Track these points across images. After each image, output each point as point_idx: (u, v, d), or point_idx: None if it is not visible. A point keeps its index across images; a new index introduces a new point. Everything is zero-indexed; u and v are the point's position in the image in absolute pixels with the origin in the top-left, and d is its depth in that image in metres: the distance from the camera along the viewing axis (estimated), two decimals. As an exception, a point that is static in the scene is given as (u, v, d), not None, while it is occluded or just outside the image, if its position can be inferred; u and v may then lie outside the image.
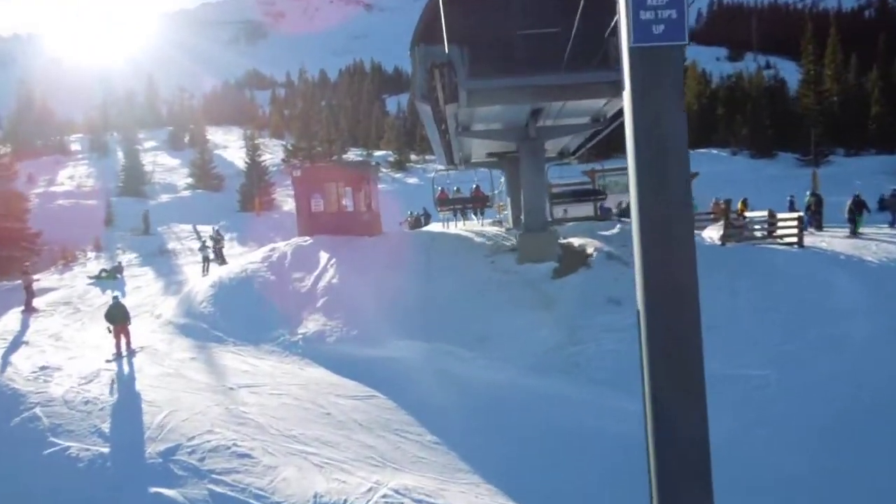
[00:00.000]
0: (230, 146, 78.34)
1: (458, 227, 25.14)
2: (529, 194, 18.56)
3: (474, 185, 29.84)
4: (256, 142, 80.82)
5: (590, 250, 18.43)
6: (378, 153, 62.48)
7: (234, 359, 16.34)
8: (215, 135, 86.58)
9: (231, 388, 14.32)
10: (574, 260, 18.06)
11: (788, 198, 27.91)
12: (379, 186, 27.83)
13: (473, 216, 28.73)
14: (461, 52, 14.66)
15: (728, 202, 24.85)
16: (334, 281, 19.05)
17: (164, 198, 50.31)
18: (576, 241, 19.21)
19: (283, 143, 62.75)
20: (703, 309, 5.49)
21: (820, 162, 40.00)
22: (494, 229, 24.25)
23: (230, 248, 35.18)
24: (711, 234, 21.38)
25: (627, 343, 14.45)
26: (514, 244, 19.42)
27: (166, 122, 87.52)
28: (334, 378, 14.97)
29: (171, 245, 37.12)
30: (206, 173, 52.85)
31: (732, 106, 48.37)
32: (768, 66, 67.05)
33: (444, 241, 20.63)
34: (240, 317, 18.31)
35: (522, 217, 18.97)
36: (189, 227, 41.23)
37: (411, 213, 34.67)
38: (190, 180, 53.80)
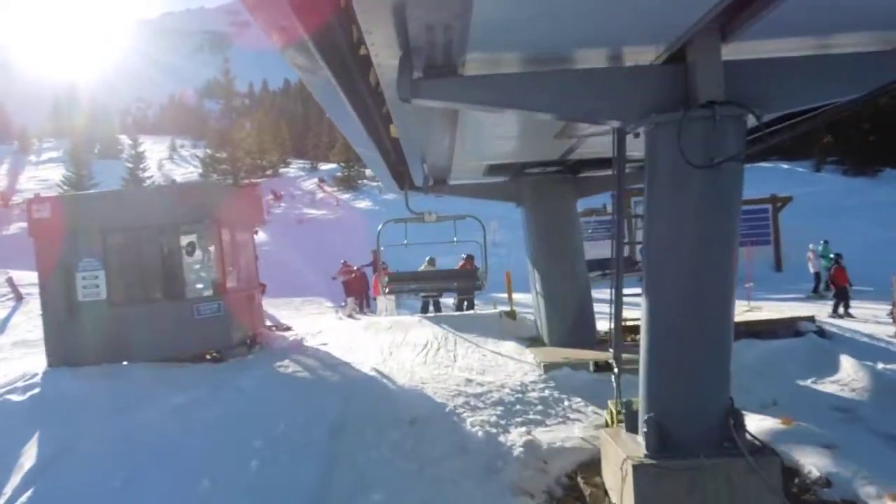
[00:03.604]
0: (151, 157, 64.21)
1: (427, 333, 11.11)
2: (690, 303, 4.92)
3: (463, 257, 16.71)
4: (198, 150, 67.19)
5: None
6: (325, 167, 48.70)
7: None
8: (142, 145, 73.10)
9: None
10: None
11: None
12: (259, 232, 13.42)
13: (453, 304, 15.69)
14: None
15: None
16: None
17: (15, 228, 35.71)
18: (807, 463, 5.59)
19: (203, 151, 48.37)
20: None
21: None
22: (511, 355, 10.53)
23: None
24: None
25: None
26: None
27: (91, 132, 72.73)
28: None
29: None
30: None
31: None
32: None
33: (375, 439, 6.68)
34: None
35: (643, 404, 5.26)
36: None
37: (345, 262, 21.16)
38: (60, 203, 39.12)
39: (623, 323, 6.20)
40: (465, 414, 7.04)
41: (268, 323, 14.07)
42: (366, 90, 6.55)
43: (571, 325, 10.01)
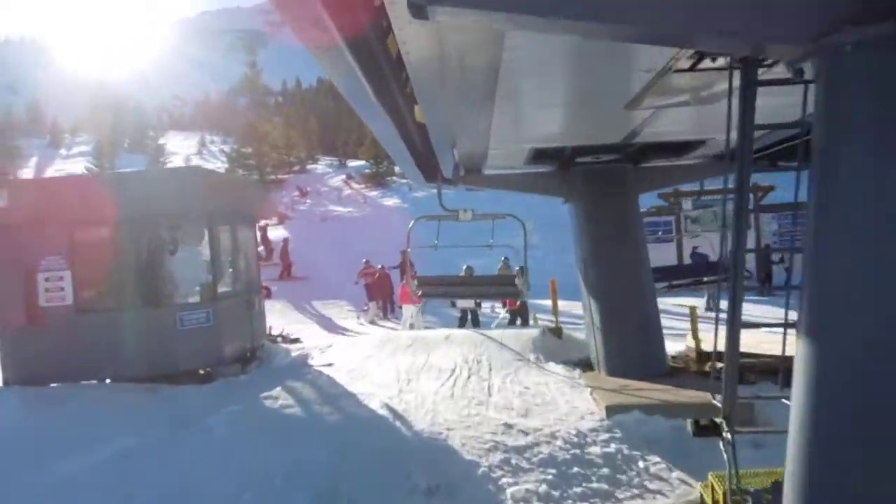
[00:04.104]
0: (181, 153, 63.61)
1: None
2: None
3: (502, 260, 15.43)
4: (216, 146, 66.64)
5: None
6: (354, 164, 47.10)
7: None
8: (174, 140, 72.74)
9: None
10: None
11: None
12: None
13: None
14: None
15: None
16: None
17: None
18: None
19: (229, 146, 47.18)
20: None
21: None
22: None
23: None
24: None
25: None
26: None
27: (123, 127, 72.39)
28: None
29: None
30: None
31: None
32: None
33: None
34: None
35: (796, 498, 3.23)
36: None
37: (367, 262, 19.63)
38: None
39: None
40: (504, 479, 5.12)
41: (274, 332, 12.36)
42: (385, 63, 4.85)
43: (635, 349, 8.01)
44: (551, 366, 8.34)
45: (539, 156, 8.71)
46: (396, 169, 40.01)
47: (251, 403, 6.70)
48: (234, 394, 7.37)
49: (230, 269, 9.91)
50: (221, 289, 9.43)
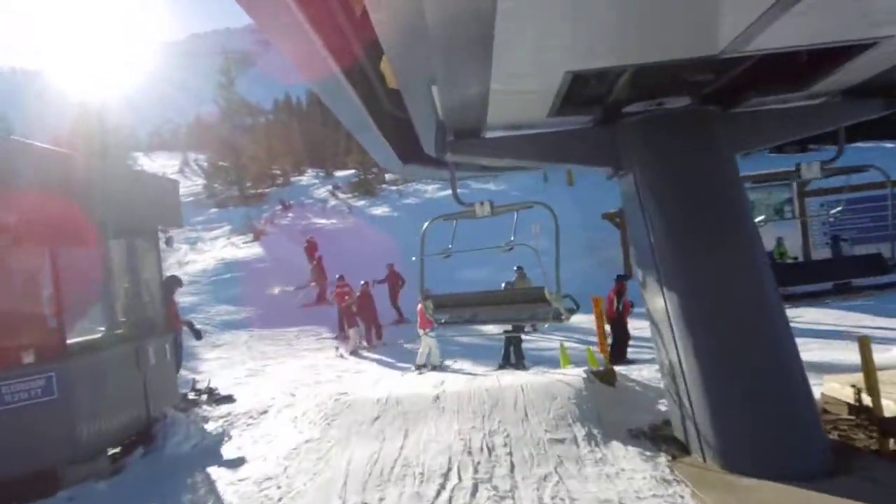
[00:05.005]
0: (160, 172, 60.66)
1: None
2: None
3: (516, 269, 12.91)
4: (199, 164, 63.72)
5: None
6: (341, 174, 43.61)
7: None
8: (159, 160, 70.20)
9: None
10: None
11: None
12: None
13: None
14: None
15: None
16: None
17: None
18: None
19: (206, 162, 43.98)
20: None
21: None
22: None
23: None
24: None
25: None
26: None
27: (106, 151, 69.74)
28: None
29: None
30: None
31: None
32: None
33: None
34: None
35: None
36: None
37: (341, 278, 16.11)
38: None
39: None
40: None
41: (199, 387, 8.82)
42: None
43: (765, 418, 4.51)
44: (616, 449, 4.82)
45: (574, 97, 5.22)
46: (388, 176, 36.64)
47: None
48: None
49: (100, 306, 6.45)
50: (79, 338, 5.97)
